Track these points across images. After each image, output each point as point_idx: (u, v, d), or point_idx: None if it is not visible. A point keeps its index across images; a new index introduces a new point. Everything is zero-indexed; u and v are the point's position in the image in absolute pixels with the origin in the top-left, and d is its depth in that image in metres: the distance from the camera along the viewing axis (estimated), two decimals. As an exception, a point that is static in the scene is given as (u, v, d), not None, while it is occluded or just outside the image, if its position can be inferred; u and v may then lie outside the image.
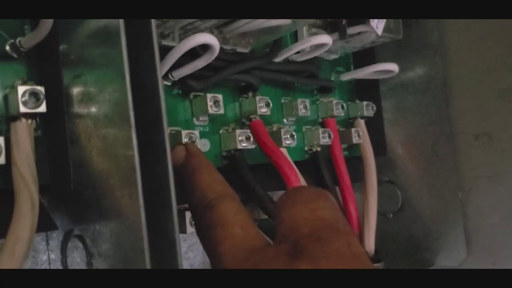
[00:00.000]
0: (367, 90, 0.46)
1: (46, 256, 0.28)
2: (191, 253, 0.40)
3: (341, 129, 0.44)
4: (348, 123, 0.45)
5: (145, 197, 0.21)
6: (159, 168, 0.22)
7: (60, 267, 0.28)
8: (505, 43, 0.40)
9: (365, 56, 0.46)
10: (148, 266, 0.21)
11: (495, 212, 0.41)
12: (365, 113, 0.44)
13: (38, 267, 0.29)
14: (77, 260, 0.26)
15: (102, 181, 0.23)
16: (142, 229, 0.21)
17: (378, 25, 0.37)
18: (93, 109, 0.23)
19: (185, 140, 0.31)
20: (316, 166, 0.41)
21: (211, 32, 0.34)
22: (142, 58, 0.23)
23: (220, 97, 0.34)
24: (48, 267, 0.28)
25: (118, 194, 0.22)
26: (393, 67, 0.42)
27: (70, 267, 0.27)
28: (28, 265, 0.28)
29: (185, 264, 0.36)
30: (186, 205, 0.34)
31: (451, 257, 0.42)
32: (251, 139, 0.35)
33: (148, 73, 0.23)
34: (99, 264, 0.24)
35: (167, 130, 0.22)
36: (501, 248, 0.40)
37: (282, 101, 0.40)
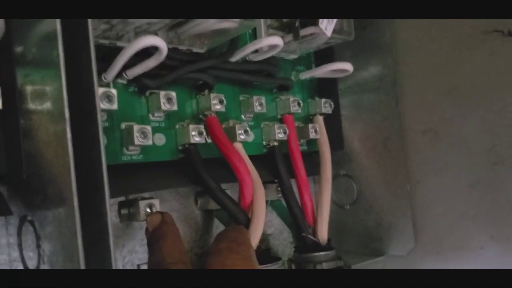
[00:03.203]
0: (326, 88, 0.49)
1: (5, 240, 0.31)
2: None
3: (300, 125, 0.46)
4: (308, 119, 0.48)
5: (82, 183, 0.24)
6: (94, 155, 0.25)
7: (17, 250, 0.30)
8: (452, 42, 0.42)
9: (325, 56, 0.48)
10: (80, 248, 0.23)
11: (440, 204, 0.43)
12: (323, 110, 0.47)
13: (-2, 250, 0.31)
14: (29, 243, 0.28)
15: (46, 170, 0.26)
16: (75, 213, 0.23)
17: (327, 27, 0.40)
18: (39, 106, 0.26)
19: (136, 134, 0.33)
20: (273, 160, 0.43)
21: (166, 33, 0.36)
22: (80, 57, 0.25)
23: (173, 94, 0.36)
24: (7, 250, 0.31)
25: (60, 181, 0.25)
26: (348, 66, 0.44)
27: (24, 249, 0.29)
28: (-12, 249, 0.30)
29: (141, 250, 0.39)
30: (141, 195, 0.37)
31: (400, 246, 0.44)
32: (204, 134, 0.37)
33: (86, 71, 0.25)
34: (46, 245, 0.26)
35: (101, 122, 0.24)
36: (445, 237, 0.42)
37: (241, 98, 0.43)
